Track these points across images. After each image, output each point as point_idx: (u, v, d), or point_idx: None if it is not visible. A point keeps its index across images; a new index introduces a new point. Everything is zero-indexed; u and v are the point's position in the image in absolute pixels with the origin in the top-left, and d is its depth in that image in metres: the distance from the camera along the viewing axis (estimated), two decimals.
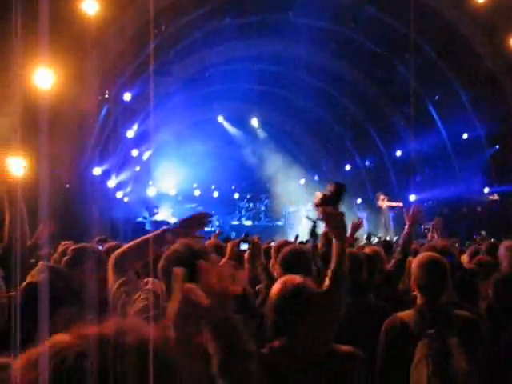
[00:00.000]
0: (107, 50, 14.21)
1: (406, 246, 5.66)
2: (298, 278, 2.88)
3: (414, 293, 3.80)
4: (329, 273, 3.05)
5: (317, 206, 3.21)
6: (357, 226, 6.29)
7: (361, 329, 3.96)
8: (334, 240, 3.12)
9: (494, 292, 4.24)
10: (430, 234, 6.11)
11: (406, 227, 5.77)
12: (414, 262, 3.76)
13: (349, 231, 5.60)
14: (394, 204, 20.23)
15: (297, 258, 4.27)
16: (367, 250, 5.60)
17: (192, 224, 3.34)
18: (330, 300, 2.94)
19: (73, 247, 4.59)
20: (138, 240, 3.28)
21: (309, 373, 2.70)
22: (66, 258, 4.39)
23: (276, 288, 2.87)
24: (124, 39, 14.74)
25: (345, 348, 2.96)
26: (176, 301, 1.86)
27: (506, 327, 3.82)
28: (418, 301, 3.64)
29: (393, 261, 5.65)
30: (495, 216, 17.87)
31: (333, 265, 3.07)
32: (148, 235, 3.30)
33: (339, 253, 3.09)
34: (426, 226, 6.90)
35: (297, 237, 9.39)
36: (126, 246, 3.31)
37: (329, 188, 3.20)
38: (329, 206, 3.20)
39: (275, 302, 2.81)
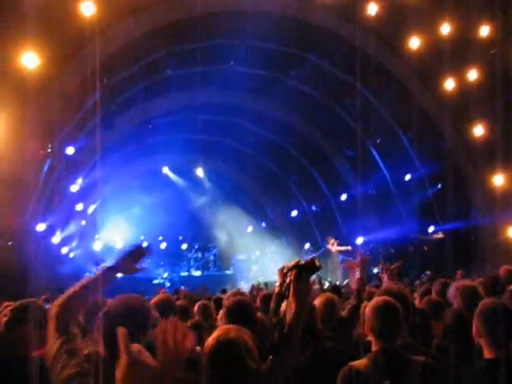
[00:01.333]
0: (48, 103, 14.05)
1: (360, 292, 5.72)
2: (233, 331, 2.78)
3: (369, 338, 3.76)
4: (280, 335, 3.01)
5: (289, 269, 3.14)
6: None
7: (318, 373, 3.90)
8: (295, 306, 3.03)
9: (445, 331, 4.28)
10: (384, 276, 6.13)
11: (358, 273, 5.87)
12: (368, 307, 3.73)
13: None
14: (343, 248, 20.42)
15: (239, 309, 4.23)
16: (320, 297, 5.53)
17: (130, 258, 3.25)
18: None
19: (12, 306, 4.26)
20: (77, 285, 3.13)
21: None
22: (5, 319, 4.10)
23: (208, 342, 2.76)
24: (65, 93, 14.63)
25: None
26: (124, 365, 1.78)
27: (457, 366, 3.82)
28: (373, 347, 3.59)
29: (348, 307, 5.65)
30: (441, 254, 18.13)
31: (287, 328, 2.97)
32: (87, 279, 3.16)
33: (297, 319, 3.00)
34: (376, 271, 7.00)
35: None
36: (64, 295, 3.14)
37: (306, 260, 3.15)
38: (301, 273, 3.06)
39: (208, 357, 2.69)
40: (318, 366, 3.97)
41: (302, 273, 3.01)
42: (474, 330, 3.55)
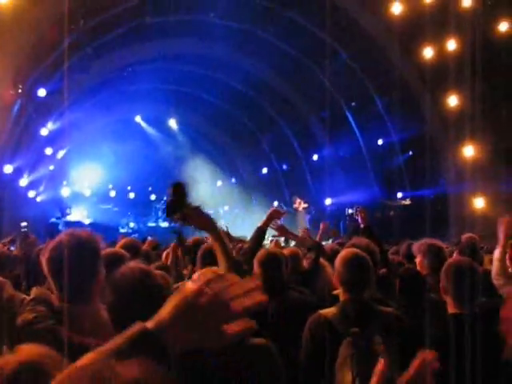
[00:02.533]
0: (21, 42, 13.71)
1: (318, 246, 5.88)
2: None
3: (336, 291, 3.81)
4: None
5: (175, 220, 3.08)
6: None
7: (286, 324, 3.95)
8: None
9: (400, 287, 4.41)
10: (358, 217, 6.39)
11: (318, 236, 6.31)
12: (338, 259, 3.78)
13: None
14: (306, 205, 20.57)
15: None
16: (286, 250, 5.66)
17: None
18: None
19: None
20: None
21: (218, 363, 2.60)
22: None
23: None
24: (39, 32, 14.29)
25: (256, 340, 2.91)
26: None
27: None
28: (341, 297, 3.65)
29: (308, 260, 5.76)
30: (406, 220, 18.36)
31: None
32: None
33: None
34: (351, 211, 7.50)
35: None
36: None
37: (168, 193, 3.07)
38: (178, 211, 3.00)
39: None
40: (285, 315, 4.03)
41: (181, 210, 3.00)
42: (440, 286, 3.64)
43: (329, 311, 3.57)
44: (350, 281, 3.59)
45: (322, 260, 5.58)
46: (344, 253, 3.82)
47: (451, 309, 3.57)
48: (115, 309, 2.43)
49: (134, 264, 2.58)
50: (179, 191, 2.99)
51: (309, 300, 4.38)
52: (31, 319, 2.62)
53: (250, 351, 2.83)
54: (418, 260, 5.14)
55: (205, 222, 3.05)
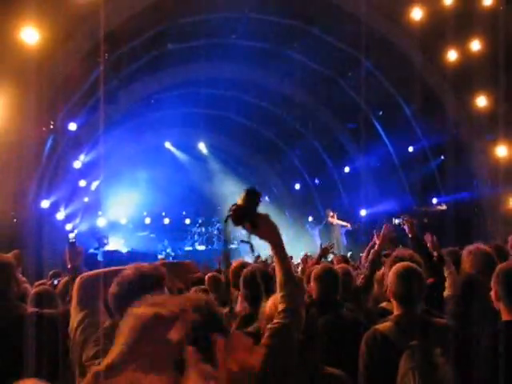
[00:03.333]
0: (50, 80, 13.99)
1: (374, 263, 5.78)
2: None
3: (382, 304, 3.80)
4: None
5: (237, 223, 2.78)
6: (326, 250, 6.40)
7: (341, 344, 3.95)
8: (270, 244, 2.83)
9: (458, 297, 4.30)
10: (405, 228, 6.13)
11: (377, 246, 6.01)
12: (391, 272, 3.76)
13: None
14: (344, 223, 20.51)
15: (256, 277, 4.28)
16: (338, 267, 5.56)
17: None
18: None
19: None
20: (111, 269, 3.09)
21: None
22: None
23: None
24: (66, 69, 14.55)
25: (333, 370, 2.92)
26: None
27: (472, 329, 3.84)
28: (395, 311, 3.63)
29: (361, 277, 5.71)
30: (443, 226, 18.18)
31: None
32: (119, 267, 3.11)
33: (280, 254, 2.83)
34: (397, 221, 6.95)
35: (258, 257, 9.25)
36: (94, 271, 3.13)
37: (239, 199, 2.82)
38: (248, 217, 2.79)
39: None
40: (334, 333, 4.02)
41: (250, 217, 2.78)
42: (492, 293, 3.59)
43: (384, 326, 3.56)
44: (404, 294, 3.57)
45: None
46: (397, 266, 3.80)
47: (505, 316, 3.52)
48: None
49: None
50: (251, 198, 2.82)
51: (358, 318, 4.34)
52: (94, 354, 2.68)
53: (326, 381, 2.84)
54: (465, 267, 5.02)
55: (273, 232, 2.87)
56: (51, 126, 16.35)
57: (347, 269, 5.56)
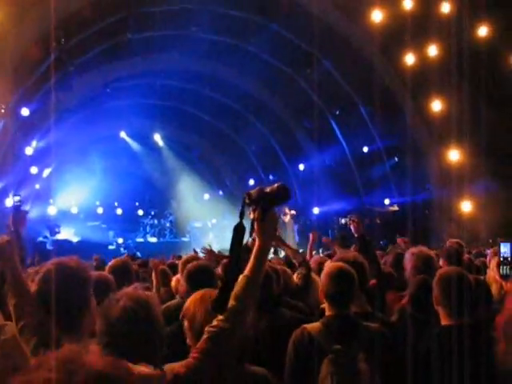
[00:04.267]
0: (2, 62, 13.65)
1: (306, 262, 5.89)
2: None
3: (323, 305, 3.79)
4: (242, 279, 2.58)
5: (251, 202, 2.61)
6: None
7: (276, 340, 3.92)
8: (260, 242, 2.62)
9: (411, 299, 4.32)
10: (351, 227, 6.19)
11: (308, 246, 6.22)
12: (323, 273, 3.75)
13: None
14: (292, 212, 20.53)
15: (202, 272, 4.23)
16: (277, 265, 5.54)
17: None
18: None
19: None
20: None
21: None
22: None
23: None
24: (20, 51, 14.22)
25: (256, 368, 2.89)
26: None
27: (421, 332, 3.87)
28: (327, 312, 3.62)
29: (299, 276, 5.72)
30: (394, 226, 18.42)
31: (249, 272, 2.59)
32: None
33: (260, 258, 2.63)
34: (344, 221, 7.18)
35: (195, 251, 8.93)
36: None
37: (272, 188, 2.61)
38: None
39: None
40: (276, 333, 3.99)
41: (267, 208, 2.58)
42: (433, 297, 3.63)
43: (313, 326, 3.53)
44: (335, 295, 3.55)
45: (313, 275, 5.54)
46: (329, 267, 3.79)
47: (444, 320, 3.58)
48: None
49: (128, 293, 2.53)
50: (281, 193, 2.61)
51: (299, 317, 4.32)
52: None
53: (248, 378, 2.81)
54: (407, 270, 5.07)
55: (271, 233, 2.68)
56: (2, 110, 15.95)
57: (284, 269, 5.53)
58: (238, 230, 2.61)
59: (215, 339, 2.45)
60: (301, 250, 16.99)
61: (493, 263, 5.37)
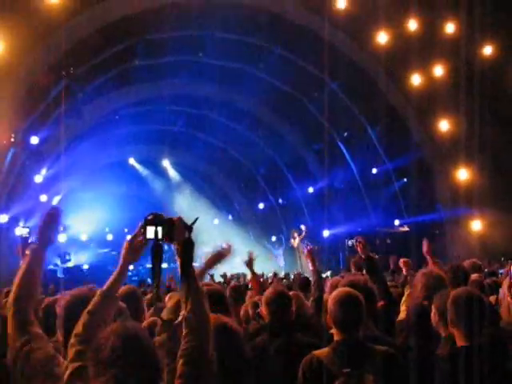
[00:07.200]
0: (13, 91, 13.79)
1: (317, 283, 5.81)
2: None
3: (332, 330, 3.76)
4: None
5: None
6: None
7: (287, 363, 3.88)
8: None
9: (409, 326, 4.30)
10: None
11: (310, 265, 6.10)
12: (330, 298, 3.71)
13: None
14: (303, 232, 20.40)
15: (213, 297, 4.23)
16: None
17: (47, 227, 3.12)
18: None
19: None
20: (20, 273, 3.00)
21: None
22: None
23: None
24: (30, 80, 14.37)
25: None
26: None
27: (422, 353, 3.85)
28: (335, 337, 3.59)
29: (311, 300, 5.68)
30: (406, 247, 18.32)
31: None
32: (22, 265, 3.05)
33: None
34: (351, 244, 6.91)
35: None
36: (13, 288, 3.02)
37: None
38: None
39: None
40: (287, 356, 3.96)
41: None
42: (448, 318, 3.59)
43: (322, 352, 3.50)
44: (343, 320, 3.52)
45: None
46: (337, 292, 3.74)
47: (460, 342, 3.54)
48: None
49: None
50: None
51: (311, 341, 4.27)
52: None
53: None
54: (417, 289, 5.02)
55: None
56: (12, 139, 16.06)
57: (297, 294, 5.49)
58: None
59: (189, 360, 2.45)
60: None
61: (505, 284, 5.29)
